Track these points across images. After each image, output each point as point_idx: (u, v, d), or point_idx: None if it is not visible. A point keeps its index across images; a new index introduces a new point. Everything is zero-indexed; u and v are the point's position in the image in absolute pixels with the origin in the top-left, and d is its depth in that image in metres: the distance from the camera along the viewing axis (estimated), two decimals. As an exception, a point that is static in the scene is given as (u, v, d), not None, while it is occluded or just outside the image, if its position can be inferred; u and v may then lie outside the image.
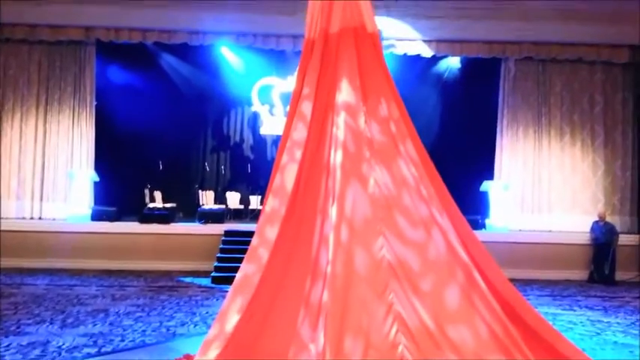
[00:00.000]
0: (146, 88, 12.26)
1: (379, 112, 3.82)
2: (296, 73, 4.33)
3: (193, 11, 10.71)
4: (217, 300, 7.21)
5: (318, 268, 3.39)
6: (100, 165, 11.23)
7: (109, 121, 11.67)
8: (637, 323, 6.66)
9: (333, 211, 3.39)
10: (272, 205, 3.67)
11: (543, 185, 11.38)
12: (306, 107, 3.86)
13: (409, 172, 3.63)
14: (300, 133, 3.76)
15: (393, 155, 3.68)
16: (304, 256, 3.48)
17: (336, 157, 3.57)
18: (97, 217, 10.25)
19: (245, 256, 3.63)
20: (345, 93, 3.82)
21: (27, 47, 11.12)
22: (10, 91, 11.11)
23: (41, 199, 11.03)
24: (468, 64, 11.87)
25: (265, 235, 3.57)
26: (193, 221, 10.65)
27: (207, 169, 13.23)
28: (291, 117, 3.97)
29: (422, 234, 3.50)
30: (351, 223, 3.37)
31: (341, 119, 3.70)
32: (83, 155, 11.14)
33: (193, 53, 11.91)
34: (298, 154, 3.71)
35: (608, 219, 10.53)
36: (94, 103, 11.34)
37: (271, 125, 12.79)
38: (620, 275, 9.94)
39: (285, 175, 3.69)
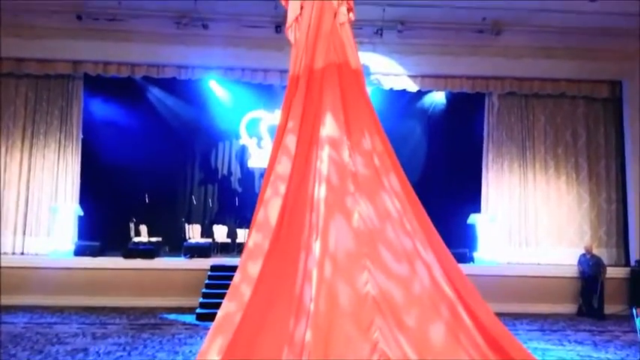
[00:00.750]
0: (134, 121, 12.24)
1: (363, 146, 3.84)
2: (281, 108, 4.35)
3: (182, 46, 10.80)
4: (201, 338, 7.03)
5: (301, 305, 3.33)
6: (85, 199, 11.09)
7: (96, 155, 11.58)
8: (627, 359, 6.59)
9: (316, 246, 3.35)
10: (255, 239, 3.63)
11: (530, 218, 11.42)
12: (291, 141, 3.87)
13: (393, 205, 3.62)
14: (284, 166, 3.75)
15: (377, 189, 3.67)
16: (287, 293, 3.42)
17: (320, 191, 3.55)
18: (79, 252, 10.07)
19: (226, 293, 3.55)
20: (329, 127, 3.84)
21: (14, 81, 11.10)
22: (-4, 124, 11.05)
23: (24, 234, 10.82)
24: (452, 98, 12.06)
25: (248, 271, 3.51)
26: (179, 255, 10.49)
27: (195, 202, 13.14)
28: (275, 151, 3.97)
29: (406, 268, 3.46)
30: (334, 258, 3.33)
31: (325, 153, 3.71)
32: (68, 189, 11.01)
33: (182, 87, 11.98)
34: (282, 188, 3.69)
35: (595, 252, 10.54)
36: (81, 136, 11.29)
37: (259, 158, 12.78)
38: (608, 308, 9.89)
39: (269, 210, 3.66)
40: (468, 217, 11.16)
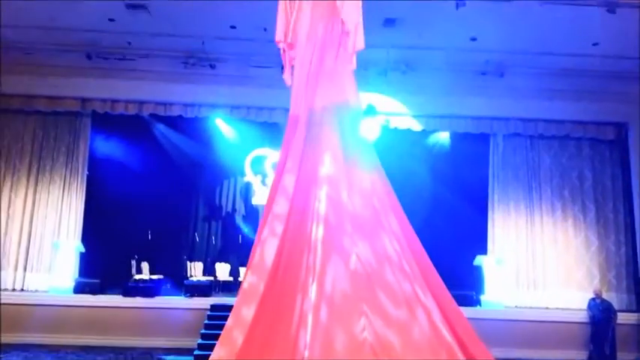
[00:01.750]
0: (139, 158, 12.30)
1: (362, 186, 3.78)
2: (280, 147, 4.33)
3: (189, 84, 10.99)
4: (198, 380, 6.82)
5: (296, 352, 3.20)
6: (87, 235, 11.06)
7: (100, 191, 11.60)
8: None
9: (312, 289, 3.25)
10: (250, 281, 3.53)
11: (537, 260, 11.21)
12: (289, 181, 3.82)
13: (392, 247, 3.53)
14: (281, 207, 3.70)
15: (376, 230, 3.59)
16: (282, 339, 3.29)
17: (318, 232, 3.48)
18: (79, 289, 9.93)
19: (219, 338, 3.44)
20: (328, 166, 3.80)
21: (23, 117, 11.27)
22: (2, 160, 11.13)
23: (25, 270, 10.75)
24: (457, 138, 12.05)
25: (241, 315, 3.40)
26: (181, 294, 10.32)
27: (197, 239, 13.02)
28: (273, 191, 3.93)
29: (405, 313, 3.34)
30: (331, 302, 3.22)
31: (323, 192, 3.65)
32: (71, 225, 11.00)
33: (188, 124, 12.08)
34: (279, 228, 3.62)
35: (605, 296, 10.28)
36: (86, 173, 11.36)
37: (263, 196, 12.73)
38: (620, 355, 9.55)
39: (265, 250, 3.58)
40: (474, 258, 10.96)
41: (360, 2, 4.46)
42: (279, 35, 4.50)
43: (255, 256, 3.63)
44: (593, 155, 11.62)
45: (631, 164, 11.37)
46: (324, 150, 3.88)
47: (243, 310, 3.41)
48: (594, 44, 9.59)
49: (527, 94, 10.97)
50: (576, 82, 10.65)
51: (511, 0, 8.27)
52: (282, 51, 4.57)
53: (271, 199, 3.88)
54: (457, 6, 8.12)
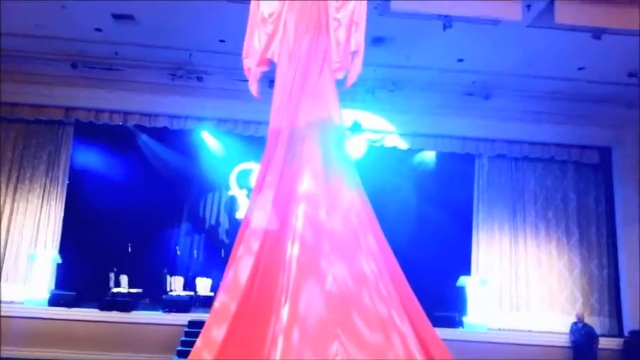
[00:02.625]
0: (122, 169, 12.12)
1: (341, 204, 3.70)
2: (260, 162, 4.25)
3: (175, 96, 10.90)
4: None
5: (266, 376, 3.08)
6: (65, 246, 10.83)
7: (80, 202, 11.39)
8: None
9: (284, 311, 3.14)
10: (222, 300, 3.41)
11: (521, 282, 11.18)
12: (267, 195, 3.73)
13: (370, 268, 3.43)
14: (258, 222, 3.60)
15: (353, 250, 3.50)
16: (252, 362, 3.17)
17: (293, 251, 3.38)
18: (55, 301, 9.69)
19: (187, 358, 3.31)
20: (307, 183, 3.72)
21: (4, 124, 11.07)
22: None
23: (0, 280, 10.49)
24: (442, 158, 12.07)
25: (211, 335, 3.27)
26: (160, 308, 10.11)
27: (179, 253, 12.81)
28: (252, 206, 3.83)
29: (380, 338, 3.23)
30: (303, 325, 3.10)
31: (301, 210, 3.56)
32: (49, 235, 10.77)
33: (173, 137, 11.97)
34: (255, 245, 3.52)
35: (587, 320, 10.26)
36: (67, 182, 11.16)
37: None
38: (602, 381, 9.50)
39: (240, 268, 3.47)
40: (457, 279, 10.89)
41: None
42: (252, 51, 4.45)
43: (229, 274, 3.51)
44: (578, 178, 11.67)
45: (614, 188, 11.44)
46: (305, 166, 3.80)
47: (214, 330, 3.28)
48: (580, 69, 9.69)
49: (513, 116, 11.03)
50: (561, 105, 10.75)
51: (497, 24, 8.34)
52: (246, 68, 4.53)
53: (249, 214, 3.78)
54: (444, 27, 8.17)
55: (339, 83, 4.45)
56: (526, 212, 11.51)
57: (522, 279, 11.21)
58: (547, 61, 9.52)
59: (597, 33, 7.99)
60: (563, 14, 7.73)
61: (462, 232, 11.40)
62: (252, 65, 4.40)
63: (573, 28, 8.11)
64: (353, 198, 3.73)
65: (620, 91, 10.14)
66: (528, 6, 7.87)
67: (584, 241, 11.44)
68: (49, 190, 11.01)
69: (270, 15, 4.40)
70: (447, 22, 8.15)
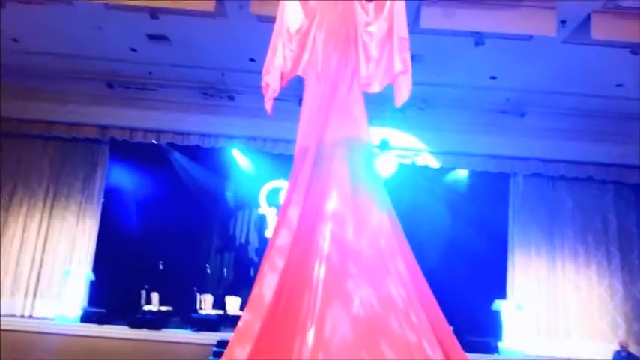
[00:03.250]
0: (155, 187, 12.28)
1: (370, 225, 3.59)
2: (288, 179, 4.20)
3: (207, 115, 11.06)
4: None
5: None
6: (99, 263, 11.00)
7: (115, 219, 11.58)
8: None
9: (310, 334, 3.03)
10: (246, 319, 3.33)
11: (559, 307, 10.74)
12: (294, 214, 3.65)
13: (398, 293, 3.29)
14: (283, 239, 3.52)
15: (381, 273, 3.37)
16: (276, 385, 3.07)
17: (320, 272, 3.28)
18: (86, 318, 9.80)
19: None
20: (334, 202, 3.64)
21: (42, 142, 11.42)
22: (20, 185, 11.23)
23: (34, 297, 10.68)
24: (475, 177, 11.80)
25: (234, 355, 3.19)
26: (189, 327, 10.10)
27: (209, 271, 12.83)
28: (278, 223, 3.77)
29: (409, 366, 3.08)
30: (328, 350, 2.99)
31: (328, 230, 3.47)
32: (83, 253, 10.96)
33: (205, 155, 12.11)
34: (280, 263, 3.44)
35: (631, 349, 9.73)
36: (102, 200, 11.38)
37: (277, 229, 12.57)
38: (647, 414, 8.96)
39: (265, 286, 3.39)
40: (492, 303, 10.54)
41: None
42: (272, 69, 4.42)
43: (254, 291, 3.44)
44: (617, 199, 11.21)
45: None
46: (332, 185, 3.72)
47: (237, 350, 3.20)
48: (617, 85, 9.38)
49: (549, 134, 10.73)
50: (599, 123, 10.40)
51: (531, 40, 8.17)
52: (264, 85, 4.49)
53: (275, 233, 3.72)
54: (476, 44, 8.04)
55: (368, 100, 4.37)
56: (564, 234, 11.11)
57: (560, 304, 10.78)
58: (583, 78, 9.24)
59: (635, 48, 7.72)
60: (600, 30, 7.50)
61: (497, 254, 11.06)
62: (271, 82, 4.36)
63: (610, 44, 7.86)
64: (382, 219, 3.62)
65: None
66: (563, 21, 7.67)
67: (626, 265, 10.94)
68: (85, 208, 11.24)
69: (297, 32, 4.37)
70: (478, 38, 8.03)
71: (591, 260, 10.98)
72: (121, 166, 12.01)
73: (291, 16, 4.43)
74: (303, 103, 4.28)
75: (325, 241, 3.42)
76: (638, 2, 7.03)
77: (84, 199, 11.34)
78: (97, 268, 10.88)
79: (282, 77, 4.40)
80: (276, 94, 4.44)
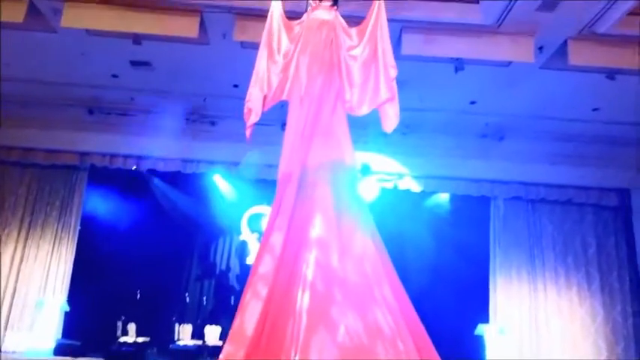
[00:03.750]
0: (134, 214, 12.04)
1: (355, 251, 3.53)
2: (271, 205, 4.12)
3: (189, 141, 10.97)
4: None
5: None
6: (74, 294, 10.66)
7: (91, 248, 11.29)
8: None
9: (295, 365, 2.93)
10: (228, 351, 3.21)
11: (541, 331, 10.72)
12: (277, 240, 3.58)
13: (385, 321, 3.21)
14: (267, 267, 3.43)
15: (368, 300, 3.30)
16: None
17: (304, 299, 3.19)
18: (60, 351, 9.42)
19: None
20: (318, 228, 3.57)
21: (19, 170, 11.16)
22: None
23: (5, 329, 10.28)
24: (457, 201, 11.86)
25: (217, 390, 3.06)
26: (166, 358, 9.79)
27: (188, 299, 12.54)
28: (261, 250, 3.68)
29: (398, 396, 2.99)
30: (315, 380, 2.89)
31: (312, 256, 3.39)
32: (58, 282, 10.63)
33: (186, 181, 11.98)
34: (264, 291, 3.34)
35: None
36: (78, 228, 11.12)
37: (259, 255, 12.41)
38: None
39: (247, 316, 3.28)
40: (475, 327, 10.47)
41: None
42: (255, 94, 4.41)
43: (235, 322, 3.32)
44: (597, 221, 11.35)
45: (635, 232, 11.09)
46: (316, 210, 3.66)
47: (220, 384, 3.08)
48: (594, 109, 9.59)
49: (528, 158, 10.87)
50: (577, 146, 10.58)
51: (509, 65, 8.33)
52: (247, 110, 4.47)
53: (258, 259, 3.62)
54: (456, 70, 8.17)
55: (350, 124, 4.35)
56: (544, 257, 11.17)
57: (543, 327, 10.77)
58: (561, 103, 9.44)
59: (612, 74, 7.92)
60: (577, 56, 7.69)
61: (479, 277, 11.05)
62: (254, 107, 4.34)
63: (587, 69, 8.06)
64: (366, 244, 3.56)
65: (637, 132, 9.98)
66: (540, 48, 7.85)
67: (606, 287, 11.01)
68: (61, 236, 10.95)
69: (284, 55, 4.37)
70: (458, 64, 8.16)
71: (572, 282, 11.03)
72: (99, 193, 11.77)
73: (275, 41, 4.44)
74: (287, 127, 4.25)
75: (309, 268, 3.35)
76: (613, 29, 7.23)
77: (60, 227, 11.05)
78: (72, 298, 10.54)
79: (265, 102, 4.37)
80: (257, 120, 4.41)
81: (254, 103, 4.33)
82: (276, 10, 4.50)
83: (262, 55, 4.43)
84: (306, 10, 4.68)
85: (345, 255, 3.47)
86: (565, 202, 11.28)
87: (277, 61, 4.36)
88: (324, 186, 3.82)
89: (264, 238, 3.79)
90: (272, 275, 3.39)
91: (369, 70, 4.32)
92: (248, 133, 4.42)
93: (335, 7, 4.56)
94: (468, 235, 11.54)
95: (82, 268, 11.00)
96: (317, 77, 4.30)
